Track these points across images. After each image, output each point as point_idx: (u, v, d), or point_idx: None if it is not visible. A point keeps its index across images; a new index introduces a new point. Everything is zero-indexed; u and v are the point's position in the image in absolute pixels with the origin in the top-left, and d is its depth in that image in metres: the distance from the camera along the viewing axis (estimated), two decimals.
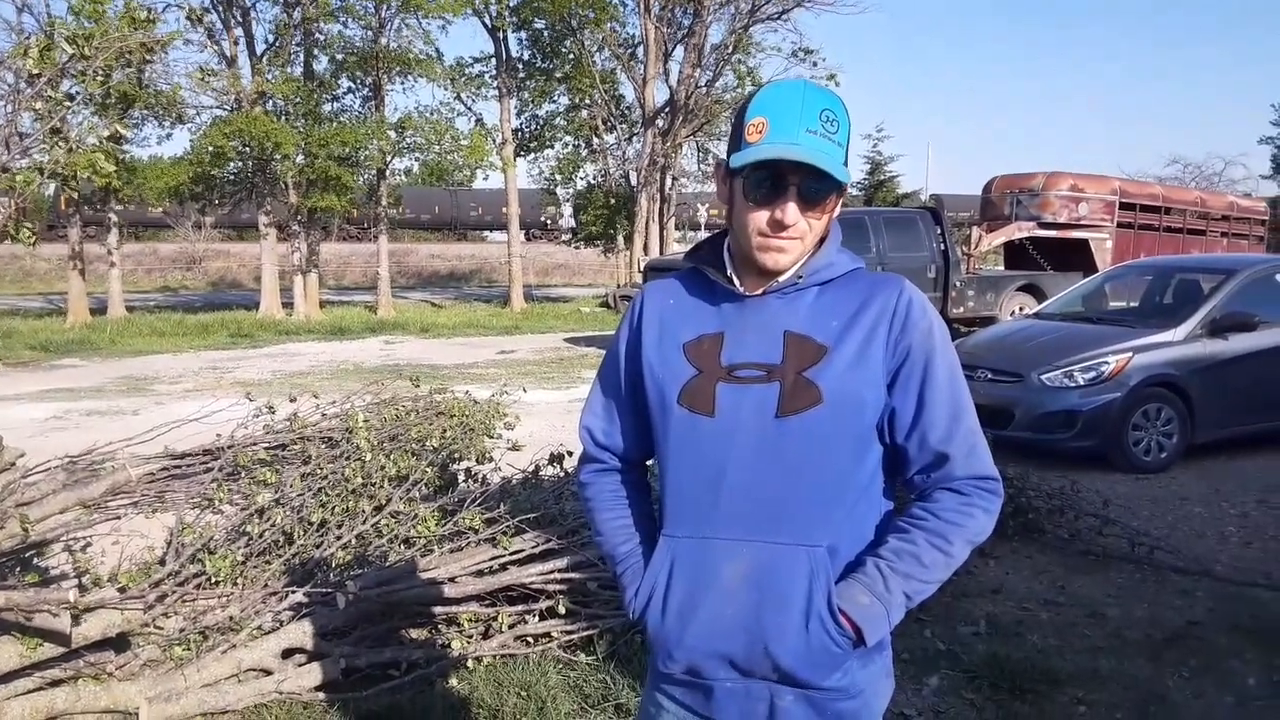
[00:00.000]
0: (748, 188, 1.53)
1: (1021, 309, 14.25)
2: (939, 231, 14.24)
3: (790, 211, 1.50)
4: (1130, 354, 7.19)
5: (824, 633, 1.50)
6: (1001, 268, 17.80)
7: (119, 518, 4.19)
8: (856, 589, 1.51)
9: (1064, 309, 9.17)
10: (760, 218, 1.52)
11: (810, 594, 1.51)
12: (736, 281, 1.60)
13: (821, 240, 1.60)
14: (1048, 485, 5.60)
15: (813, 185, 1.50)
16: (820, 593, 1.51)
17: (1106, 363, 7.15)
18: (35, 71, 3.94)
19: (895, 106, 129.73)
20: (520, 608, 3.69)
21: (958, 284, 14.42)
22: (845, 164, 1.53)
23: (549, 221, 43.25)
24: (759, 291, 1.58)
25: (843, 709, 1.56)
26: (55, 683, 3.05)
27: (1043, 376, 7.21)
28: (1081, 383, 7.12)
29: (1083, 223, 15.93)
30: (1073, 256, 15.80)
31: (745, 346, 1.55)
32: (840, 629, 1.50)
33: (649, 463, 1.82)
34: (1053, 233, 15.90)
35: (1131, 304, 9.59)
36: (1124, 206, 16.23)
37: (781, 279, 1.57)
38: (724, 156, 1.61)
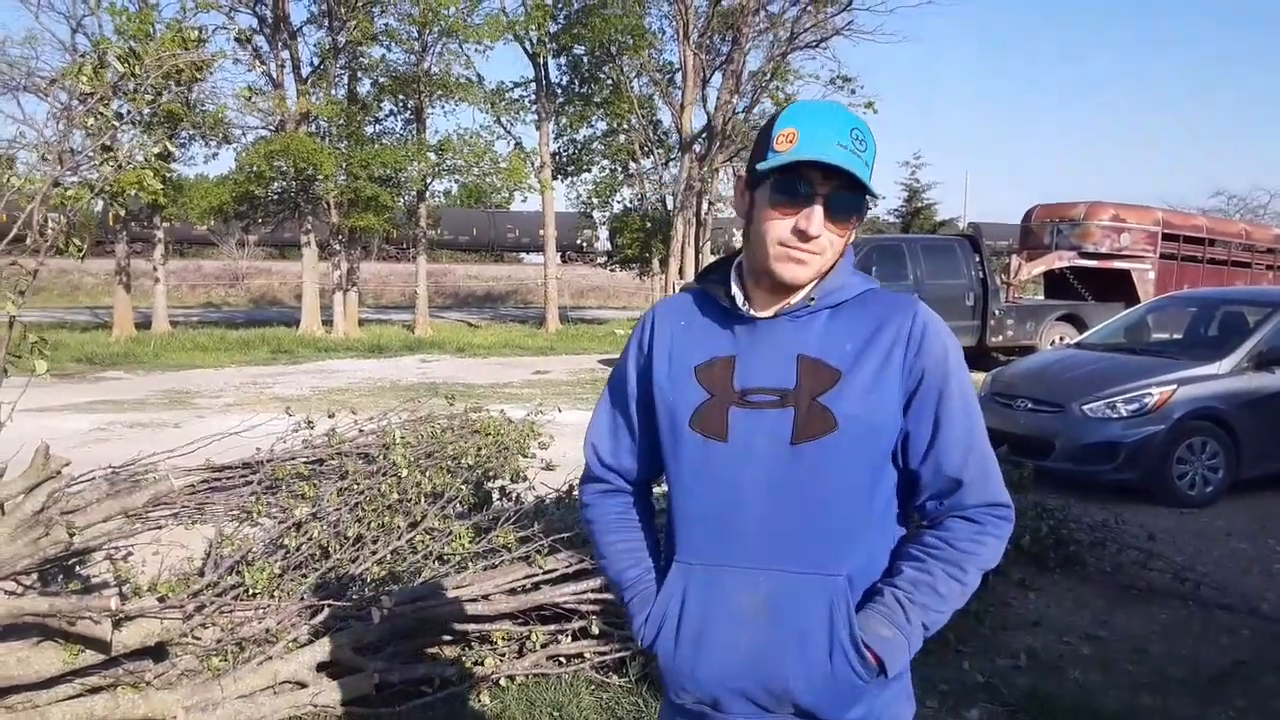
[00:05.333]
0: (774, 194, 1.49)
1: (1062, 339, 14.09)
2: (978, 259, 14.16)
3: (816, 220, 1.47)
4: (1175, 386, 7.06)
5: (848, 666, 1.48)
6: (1041, 297, 17.62)
7: (160, 528, 4.24)
8: (877, 620, 1.49)
9: (1106, 339, 9.03)
10: (783, 226, 1.49)
11: (832, 626, 1.48)
12: (745, 303, 1.56)
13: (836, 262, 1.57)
14: (1089, 518, 5.51)
15: (842, 197, 1.48)
16: (842, 625, 1.48)
17: (1150, 394, 7.03)
18: (88, 90, 4.03)
19: (933, 134, 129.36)
20: (553, 627, 3.68)
21: (997, 312, 14.30)
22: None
23: (585, 244, 43.46)
24: (770, 314, 1.55)
25: None
26: (94, 690, 3.08)
27: (1085, 407, 7.10)
28: (1124, 414, 7.00)
29: (1124, 253, 15.73)
30: (1114, 287, 15.61)
31: (758, 370, 1.52)
32: (864, 662, 1.48)
33: (657, 488, 1.78)
34: (1094, 263, 15.72)
35: (1175, 336, 9.44)
36: (1167, 237, 16.02)
37: (793, 301, 1.53)
38: (745, 173, 1.57)
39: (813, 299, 1.53)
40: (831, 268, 1.56)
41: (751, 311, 1.56)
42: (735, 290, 1.58)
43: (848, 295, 1.55)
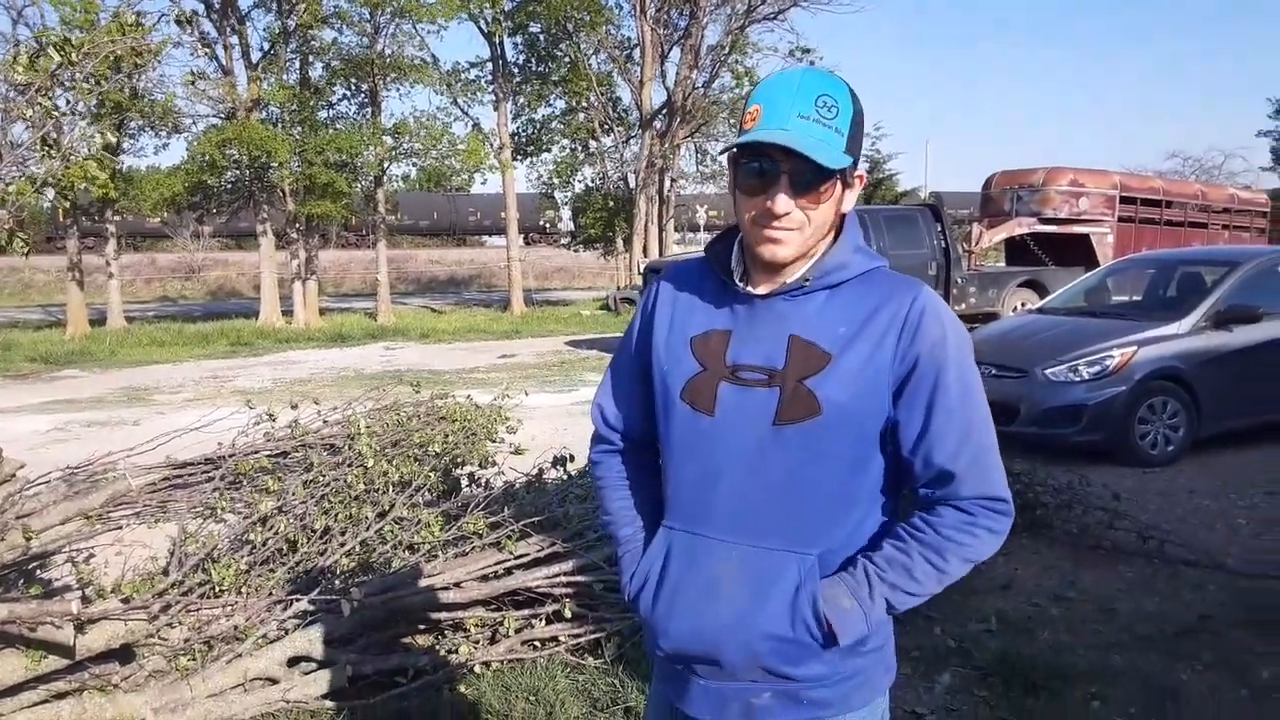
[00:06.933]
0: (739, 176, 1.48)
1: (1024, 304, 14.24)
2: (939, 228, 14.24)
3: (780, 201, 1.43)
4: (1135, 348, 7.15)
5: (805, 630, 1.49)
6: (1003, 264, 17.79)
7: (121, 528, 4.16)
8: (841, 590, 1.49)
9: (1067, 304, 9.14)
10: (754, 205, 1.47)
11: (795, 603, 1.49)
12: (743, 279, 1.54)
13: (838, 235, 1.53)
14: (1055, 480, 5.57)
15: (803, 172, 1.43)
16: (806, 598, 1.49)
17: (1111, 356, 7.12)
18: (24, 80, 3.91)
19: (894, 104, 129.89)
20: (526, 612, 3.66)
21: (959, 280, 14.42)
22: (851, 151, 1.46)
23: (548, 225, 43.28)
24: (767, 292, 1.52)
25: (818, 696, 1.53)
26: (60, 695, 3.02)
27: (1047, 371, 7.18)
28: (1086, 377, 7.09)
29: (1084, 218, 15.91)
30: (1074, 251, 15.79)
31: (750, 347, 1.50)
32: (820, 628, 1.48)
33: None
34: (1054, 228, 15.89)
35: (1135, 298, 9.57)
36: (1125, 201, 16.22)
37: (789, 280, 1.50)
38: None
39: (808, 279, 1.50)
40: (834, 243, 1.53)
41: (748, 289, 1.54)
42: (735, 266, 1.56)
43: (848, 275, 1.51)
